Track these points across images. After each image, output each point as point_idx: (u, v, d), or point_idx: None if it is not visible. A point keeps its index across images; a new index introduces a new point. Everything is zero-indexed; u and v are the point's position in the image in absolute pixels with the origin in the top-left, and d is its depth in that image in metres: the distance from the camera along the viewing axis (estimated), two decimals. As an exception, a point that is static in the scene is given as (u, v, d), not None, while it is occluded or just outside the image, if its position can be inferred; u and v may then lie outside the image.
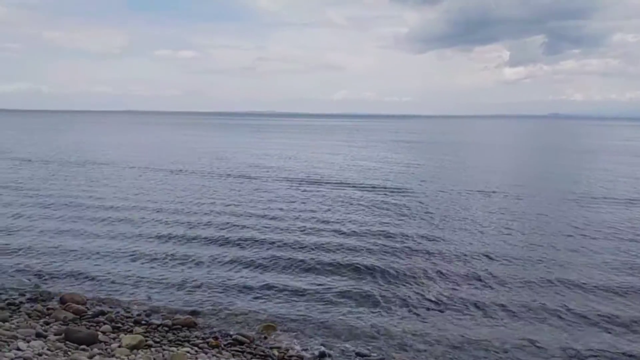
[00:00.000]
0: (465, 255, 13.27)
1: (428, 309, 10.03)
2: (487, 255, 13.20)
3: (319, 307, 10.04)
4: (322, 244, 14.07)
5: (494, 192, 23.03)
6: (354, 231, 15.47)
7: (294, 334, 9.04)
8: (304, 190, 22.82)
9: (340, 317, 9.63)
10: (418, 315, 9.80)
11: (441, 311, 9.96)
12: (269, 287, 11.10)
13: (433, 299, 10.49)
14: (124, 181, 25.27)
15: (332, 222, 16.56)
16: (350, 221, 16.65)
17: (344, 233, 15.26)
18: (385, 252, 13.45)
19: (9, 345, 7.25)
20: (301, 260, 12.74)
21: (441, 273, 11.97)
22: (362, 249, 13.63)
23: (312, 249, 13.66)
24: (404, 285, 11.23)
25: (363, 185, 24.48)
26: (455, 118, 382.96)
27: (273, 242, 14.21)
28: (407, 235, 14.98)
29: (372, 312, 9.88)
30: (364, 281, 11.41)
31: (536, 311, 9.98)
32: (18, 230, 15.27)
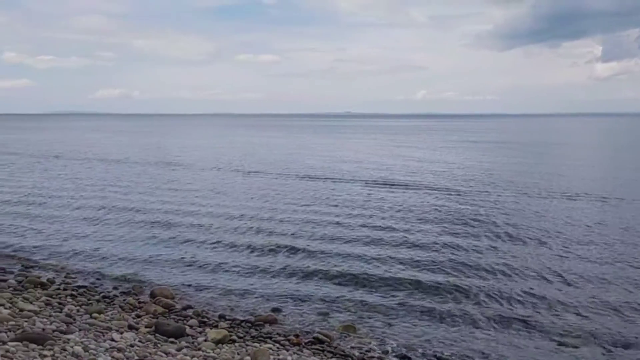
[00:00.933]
0: (543, 271, 12.21)
1: (504, 323, 9.51)
2: (567, 271, 11.96)
3: (399, 313, 9.90)
4: (395, 251, 13.89)
5: (580, 197, 21.36)
6: (427, 240, 14.85)
7: (375, 335, 9.00)
8: (374, 194, 22.15)
9: (419, 323, 9.47)
10: (495, 328, 9.38)
11: (517, 330, 9.37)
12: (348, 288, 11.11)
13: (515, 315, 9.89)
14: (200, 182, 26.15)
15: (404, 229, 15.92)
16: (420, 230, 15.65)
17: (415, 241, 14.74)
18: (459, 264, 12.65)
19: (104, 335, 7.66)
20: (377, 264, 12.65)
21: (518, 292, 11.07)
22: (435, 260, 13.14)
23: (384, 254, 13.51)
24: (483, 299, 10.71)
25: (437, 188, 23.58)
26: (542, 116, 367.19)
27: (344, 251, 14.04)
28: (483, 247, 14.08)
29: (451, 320, 9.60)
30: (440, 291, 10.89)
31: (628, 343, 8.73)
32: (108, 229, 16.15)
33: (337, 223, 16.53)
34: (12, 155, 41.07)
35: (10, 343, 6.46)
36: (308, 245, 13.98)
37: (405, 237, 14.87)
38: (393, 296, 10.63)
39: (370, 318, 9.67)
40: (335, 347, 8.36)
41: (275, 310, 9.92)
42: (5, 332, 7.02)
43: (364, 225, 16.15)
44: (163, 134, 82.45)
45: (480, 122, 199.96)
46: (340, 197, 21.31)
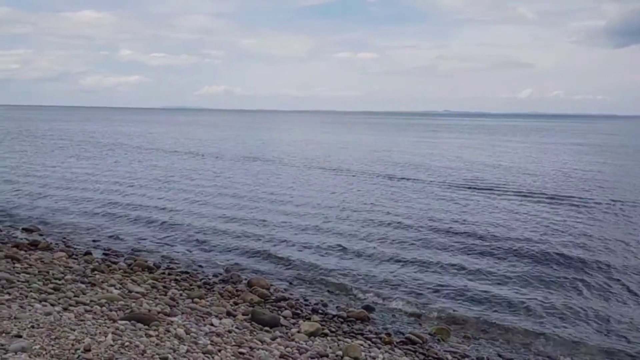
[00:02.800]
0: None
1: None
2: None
3: (496, 320, 9.53)
4: (493, 258, 13.39)
5: None
6: (529, 249, 14.17)
7: (470, 341, 8.75)
8: (465, 198, 20.90)
9: (517, 333, 9.06)
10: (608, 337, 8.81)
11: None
12: (442, 290, 10.89)
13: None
14: (296, 178, 26.58)
15: (502, 236, 15.20)
16: (514, 238, 14.95)
17: (514, 250, 14.13)
18: (566, 278, 12.01)
19: (204, 320, 8.03)
20: (474, 272, 12.28)
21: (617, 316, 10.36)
22: (538, 272, 12.55)
23: (482, 262, 13.08)
24: (596, 319, 10.09)
25: (530, 194, 21.99)
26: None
27: (439, 255, 13.83)
28: (592, 261, 13.19)
29: (556, 336, 9.09)
30: (544, 305, 10.32)
31: None
32: (209, 220, 16.88)
33: (431, 227, 16.09)
34: (134, 148, 43.93)
35: (119, 321, 6.93)
36: (402, 248, 13.81)
37: (502, 245, 14.15)
38: (490, 303, 10.26)
39: (465, 322, 9.42)
40: (428, 350, 8.21)
41: (367, 307, 9.91)
42: (116, 311, 7.55)
43: (458, 232, 15.54)
44: (262, 130, 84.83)
45: (591, 123, 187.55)
46: (434, 201, 20.78)
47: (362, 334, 8.55)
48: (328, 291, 10.78)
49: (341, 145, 50.12)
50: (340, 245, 13.78)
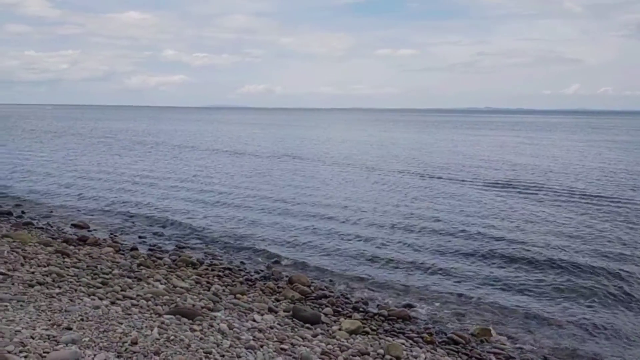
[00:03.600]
0: None
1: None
2: None
3: (542, 321, 9.34)
4: (538, 258, 13.07)
5: None
6: (574, 250, 13.91)
7: (514, 342, 8.58)
8: (502, 199, 20.29)
9: (563, 334, 8.86)
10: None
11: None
12: (485, 290, 10.73)
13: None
14: (337, 176, 26.60)
15: (539, 237, 14.93)
16: (556, 242, 14.72)
17: (556, 250, 13.86)
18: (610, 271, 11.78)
19: (246, 316, 8.12)
20: (517, 269, 12.06)
21: None
22: (586, 270, 12.18)
23: (525, 260, 12.79)
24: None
25: (571, 194, 21.16)
26: None
27: (480, 252, 13.61)
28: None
29: (603, 336, 8.85)
30: (593, 303, 10.08)
31: None
32: (250, 217, 17.07)
33: (470, 228, 15.86)
34: (180, 147, 44.80)
35: (165, 315, 7.07)
36: (442, 248, 13.65)
37: (543, 249, 13.74)
38: (536, 303, 10.06)
39: (509, 323, 9.25)
40: (471, 350, 8.10)
41: (408, 306, 9.85)
42: (161, 306, 7.71)
43: (499, 233, 15.27)
44: (300, 128, 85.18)
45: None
46: (471, 201, 20.43)
47: (403, 333, 8.50)
48: (368, 289, 10.75)
49: (378, 143, 49.91)
50: (380, 244, 13.74)
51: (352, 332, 8.12)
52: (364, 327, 8.42)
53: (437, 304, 10.00)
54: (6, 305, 6.02)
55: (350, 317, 8.99)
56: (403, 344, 7.89)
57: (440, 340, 8.38)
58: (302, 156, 35.82)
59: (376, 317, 9.18)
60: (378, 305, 9.85)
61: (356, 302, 9.88)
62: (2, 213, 16.04)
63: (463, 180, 24.60)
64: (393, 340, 8.04)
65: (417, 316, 9.45)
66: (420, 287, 10.81)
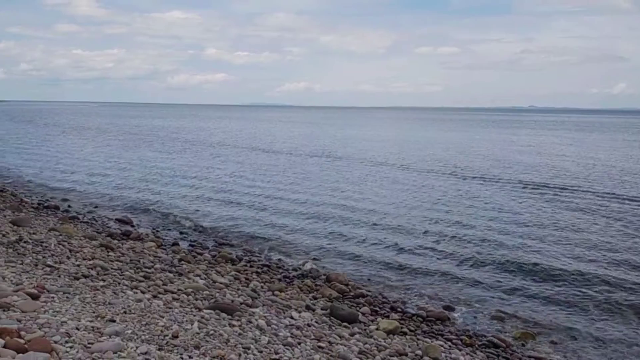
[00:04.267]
0: None
1: None
2: None
3: (584, 327, 9.05)
4: (584, 264, 12.70)
5: None
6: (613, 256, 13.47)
7: (556, 345, 8.37)
8: (541, 201, 19.69)
9: (608, 342, 8.58)
10: None
11: None
12: (527, 292, 10.49)
13: None
14: (374, 175, 26.44)
15: (584, 238, 14.59)
16: (602, 243, 14.28)
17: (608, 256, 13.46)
18: None
19: (284, 313, 8.16)
20: (561, 275, 11.72)
21: None
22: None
23: (570, 266, 12.43)
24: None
25: (613, 196, 20.57)
26: None
27: (523, 257, 13.31)
28: None
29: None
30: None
31: None
32: (288, 216, 17.16)
33: (509, 228, 15.60)
34: (222, 146, 45.41)
35: (205, 310, 7.18)
36: (483, 249, 13.44)
37: (590, 251, 13.43)
38: (582, 312, 9.74)
39: (551, 328, 9.01)
40: (512, 354, 7.94)
41: (448, 308, 9.71)
42: (201, 300, 7.82)
43: (541, 234, 14.98)
44: (338, 127, 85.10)
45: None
46: (510, 201, 20.06)
47: (442, 335, 8.40)
48: (406, 290, 10.65)
49: (415, 143, 49.36)
50: (417, 246, 13.60)
51: (390, 332, 8.07)
52: (401, 328, 8.35)
53: (477, 307, 9.84)
54: (53, 297, 6.20)
55: (387, 317, 8.93)
56: (442, 345, 7.79)
57: (480, 343, 8.24)
58: (339, 155, 35.71)
59: (414, 318, 9.09)
60: (416, 306, 9.74)
61: (394, 302, 9.80)
62: (50, 207, 16.57)
63: (500, 183, 23.99)
64: (431, 341, 7.95)
65: (456, 318, 9.32)
66: (459, 290, 10.65)
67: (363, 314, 8.93)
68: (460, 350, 7.82)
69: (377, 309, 9.37)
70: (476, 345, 8.10)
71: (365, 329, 8.14)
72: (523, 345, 8.34)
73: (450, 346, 7.91)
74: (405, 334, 8.21)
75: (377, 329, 8.14)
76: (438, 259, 12.49)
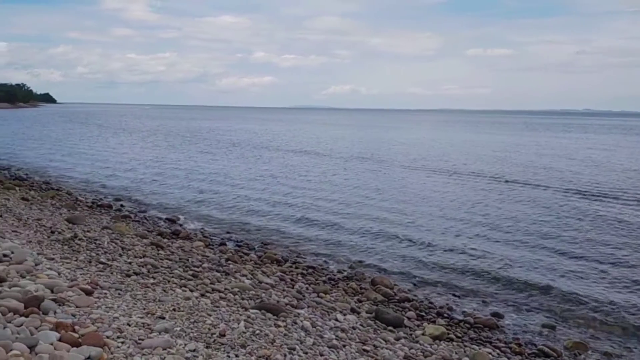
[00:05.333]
0: None
1: None
2: None
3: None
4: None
5: None
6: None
7: (610, 357, 8.04)
8: (596, 206, 19.06)
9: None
10: None
11: None
12: (579, 301, 10.12)
13: None
14: (420, 181, 26.12)
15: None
16: None
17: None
18: None
19: (329, 315, 8.16)
20: (617, 283, 11.27)
21: None
22: None
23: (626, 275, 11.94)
24: None
25: None
26: None
27: (577, 267, 12.87)
28: None
29: None
30: None
31: None
32: (333, 217, 17.15)
33: (558, 234, 15.12)
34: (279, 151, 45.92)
35: (251, 310, 7.24)
36: (535, 255, 13.08)
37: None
38: (637, 319, 9.36)
39: (606, 338, 8.67)
40: (563, 364, 7.68)
41: (496, 315, 9.48)
42: (247, 300, 7.90)
43: (596, 241, 14.45)
44: (383, 129, 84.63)
45: None
46: (561, 207, 19.39)
47: (490, 342, 8.20)
48: (453, 295, 10.45)
49: (462, 146, 48.50)
50: (464, 250, 13.35)
51: (436, 338, 7.94)
52: (448, 334, 8.21)
53: (527, 314, 9.57)
54: (105, 293, 6.38)
55: (434, 322, 8.80)
56: (490, 353, 7.62)
57: (529, 351, 8.00)
58: (382, 158, 35.49)
59: (461, 324, 8.92)
60: (463, 312, 9.56)
61: (440, 308, 9.65)
62: (103, 206, 17.12)
63: (548, 187, 23.32)
64: (479, 348, 7.78)
65: (505, 326, 9.08)
66: (508, 296, 10.38)
67: (409, 318, 8.83)
68: (509, 358, 7.63)
69: (423, 313, 9.24)
70: (526, 354, 7.88)
71: (410, 334, 8.04)
72: (575, 355, 8.05)
73: (498, 354, 7.72)
74: (452, 340, 8.06)
75: (423, 334, 8.03)
76: (486, 264, 12.20)
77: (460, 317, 9.24)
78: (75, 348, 4.38)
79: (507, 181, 24.93)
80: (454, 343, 7.94)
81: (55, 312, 5.17)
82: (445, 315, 9.29)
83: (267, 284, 9.54)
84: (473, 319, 9.10)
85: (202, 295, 7.62)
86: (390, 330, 8.04)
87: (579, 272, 11.65)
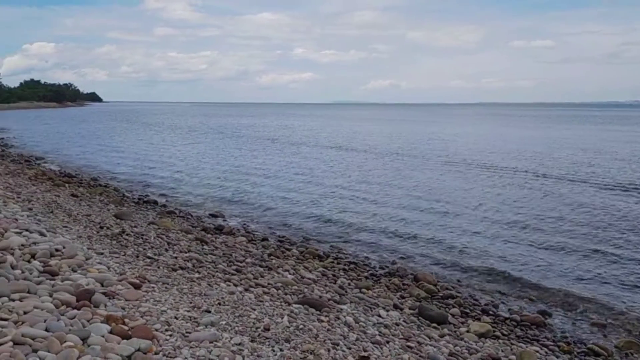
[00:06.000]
0: None
1: None
2: None
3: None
4: None
5: None
6: None
7: (666, 358, 7.75)
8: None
9: None
10: None
11: None
12: (631, 300, 9.78)
13: None
14: (459, 175, 25.72)
15: None
16: None
17: None
18: None
19: (371, 310, 8.12)
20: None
21: None
22: None
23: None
24: None
25: None
26: None
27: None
28: None
29: None
30: None
31: None
32: (373, 212, 17.06)
33: (611, 234, 14.63)
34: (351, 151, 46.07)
35: (294, 305, 7.28)
36: (583, 253, 12.70)
37: None
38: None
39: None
40: (614, 364, 7.45)
41: (544, 312, 9.24)
42: (290, 295, 7.95)
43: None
44: (420, 124, 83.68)
45: None
46: (614, 203, 18.80)
47: (537, 340, 8.01)
48: (499, 292, 10.26)
49: (500, 140, 47.44)
50: (509, 245, 13.11)
51: (481, 335, 7.81)
52: (494, 331, 8.07)
53: (576, 312, 9.30)
54: (153, 287, 6.52)
55: (479, 319, 8.65)
56: (537, 351, 7.44)
57: (579, 350, 7.79)
58: (421, 154, 35.12)
59: (507, 321, 8.74)
60: (510, 310, 9.37)
61: (485, 305, 9.48)
62: (149, 202, 17.50)
63: (597, 183, 22.64)
64: (526, 347, 7.62)
65: (553, 324, 8.86)
66: (556, 293, 10.10)
67: (453, 315, 8.71)
68: (557, 357, 7.44)
69: (467, 310, 9.09)
70: (575, 353, 7.67)
71: (455, 331, 7.94)
72: (627, 355, 7.79)
73: (546, 352, 7.54)
74: (497, 337, 7.92)
75: (467, 332, 7.92)
76: (533, 261, 11.92)
77: (506, 315, 9.06)
78: (125, 340, 4.49)
79: (552, 177, 24.27)
80: (500, 341, 7.79)
81: (105, 305, 5.31)
82: (491, 312, 9.13)
83: (309, 279, 9.57)
84: (519, 317, 8.91)
85: (246, 289, 7.70)
86: (434, 327, 7.95)
87: (632, 271, 11.25)
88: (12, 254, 6.30)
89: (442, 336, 7.50)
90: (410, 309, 8.71)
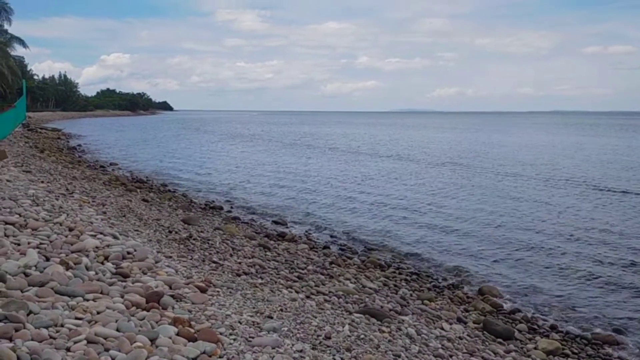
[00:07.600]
0: None
1: None
2: None
3: None
4: None
5: None
6: None
7: None
8: None
9: None
10: None
11: None
12: None
13: None
14: (526, 187, 24.84)
15: None
16: None
17: None
18: None
19: (434, 323, 7.98)
20: None
21: None
22: None
23: None
24: None
25: None
26: None
27: None
28: None
29: None
30: None
31: None
32: (437, 224, 16.77)
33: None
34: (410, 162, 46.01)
35: (355, 314, 7.27)
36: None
37: None
38: None
39: None
40: (697, 390, 6.97)
41: (617, 331, 8.80)
42: (351, 304, 7.94)
43: None
44: (485, 132, 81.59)
45: None
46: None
47: (610, 360, 7.63)
48: (569, 309, 9.82)
49: (567, 150, 45.40)
50: (580, 260, 12.53)
51: (550, 353, 7.53)
52: (563, 349, 7.76)
53: (653, 332, 8.79)
54: (218, 291, 6.68)
55: (547, 336, 8.33)
56: (610, 372, 7.09)
57: (656, 373, 7.36)
58: (485, 166, 34.20)
59: (577, 339, 8.37)
60: (580, 327, 8.97)
61: (555, 321, 9.11)
62: (215, 208, 17.96)
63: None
64: (598, 367, 7.27)
65: (627, 343, 8.41)
66: (631, 311, 9.59)
67: (519, 331, 8.43)
68: (632, 379, 7.05)
69: (535, 327, 8.77)
70: (652, 376, 7.25)
71: (522, 347, 7.68)
72: None
73: (621, 373, 7.17)
74: (567, 356, 7.60)
75: (535, 349, 7.65)
76: (605, 276, 11.37)
77: (577, 332, 8.69)
78: (191, 343, 4.62)
79: (624, 192, 23.03)
80: (570, 359, 7.47)
81: (173, 308, 5.49)
82: (560, 329, 8.77)
83: (370, 288, 9.52)
84: (591, 335, 8.52)
85: (308, 297, 7.76)
86: (500, 343, 7.73)
87: None
88: (87, 256, 6.63)
89: (508, 352, 7.29)
90: (474, 322, 8.50)
